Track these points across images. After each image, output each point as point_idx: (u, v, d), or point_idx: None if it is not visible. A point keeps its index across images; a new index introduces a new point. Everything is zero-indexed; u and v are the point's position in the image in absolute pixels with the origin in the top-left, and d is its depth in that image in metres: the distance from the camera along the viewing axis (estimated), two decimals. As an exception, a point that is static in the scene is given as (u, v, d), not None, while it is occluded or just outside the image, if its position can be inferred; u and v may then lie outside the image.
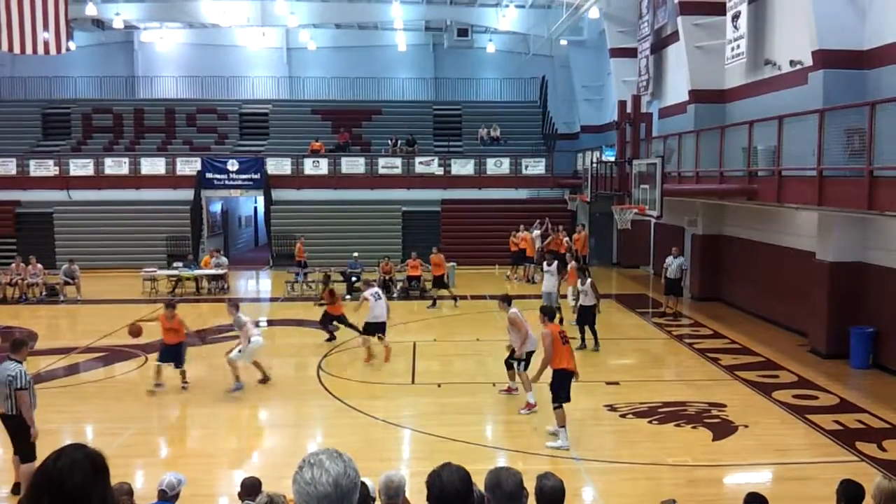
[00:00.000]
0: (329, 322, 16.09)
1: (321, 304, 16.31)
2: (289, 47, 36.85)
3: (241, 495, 6.28)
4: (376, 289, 15.08)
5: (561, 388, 9.93)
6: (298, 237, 25.32)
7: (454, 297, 20.86)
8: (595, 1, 25.07)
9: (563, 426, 9.84)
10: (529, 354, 11.48)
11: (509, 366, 12.00)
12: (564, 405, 9.89)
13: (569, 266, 18.15)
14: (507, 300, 12.10)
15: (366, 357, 14.38)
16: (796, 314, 16.33)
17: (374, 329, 14.38)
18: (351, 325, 15.46)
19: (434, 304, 20.66)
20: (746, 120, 15.87)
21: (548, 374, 10.16)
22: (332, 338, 16.16)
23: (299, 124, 33.11)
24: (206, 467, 9.15)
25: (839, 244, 14.39)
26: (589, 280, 15.49)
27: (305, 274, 23.41)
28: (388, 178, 29.64)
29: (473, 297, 21.75)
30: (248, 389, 13.00)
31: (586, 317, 15.32)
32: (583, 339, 15.27)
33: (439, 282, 21.12)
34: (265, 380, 12.84)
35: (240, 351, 12.43)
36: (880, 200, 10.85)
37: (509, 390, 12.13)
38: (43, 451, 2.46)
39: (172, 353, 12.69)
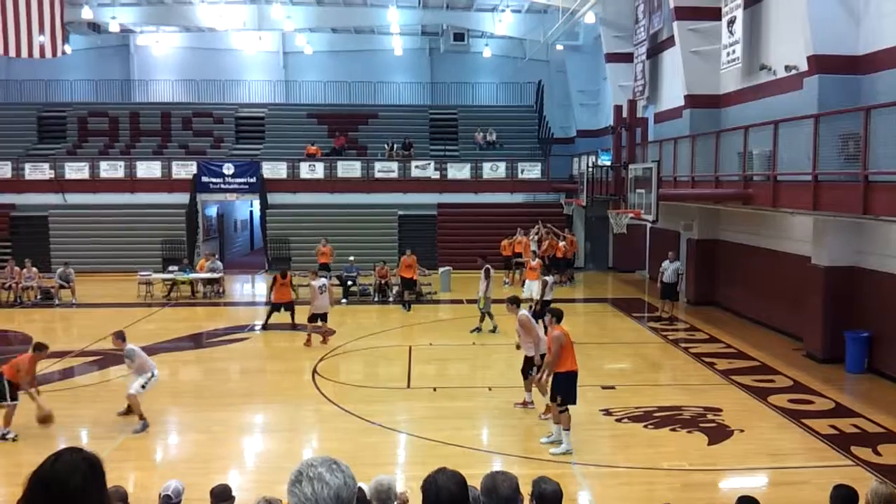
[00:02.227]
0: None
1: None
2: (285, 51, 36.88)
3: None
4: (323, 281, 16.83)
5: (570, 391, 9.89)
6: (320, 240, 24.23)
7: (407, 303, 20.88)
8: (591, 6, 25.14)
9: (568, 429, 9.81)
10: (541, 357, 11.27)
11: (526, 375, 11.59)
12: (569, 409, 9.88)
13: (533, 263, 19.19)
14: (515, 303, 12.00)
15: (307, 341, 16.24)
16: (792, 318, 16.36)
17: (318, 318, 16.29)
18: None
19: (408, 308, 20.62)
20: (742, 125, 15.90)
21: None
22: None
23: (295, 128, 33.11)
24: (201, 472, 9.11)
25: (834, 248, 14.43)
26: (545, 278, 16.45)
27: (330, 278, 23.21)
28: (384, 182, 29.66)
29: (469, 302, 21.74)
30: (245, 393, 12.98)
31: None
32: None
33: (410, 284, 21.17)
34: (127, 413, 11.18)
35: (143, 386, 10.88)
36: (875, 205, 10.88)
37: (525, 404, 11.71)
38: (38, 454, 2.44)
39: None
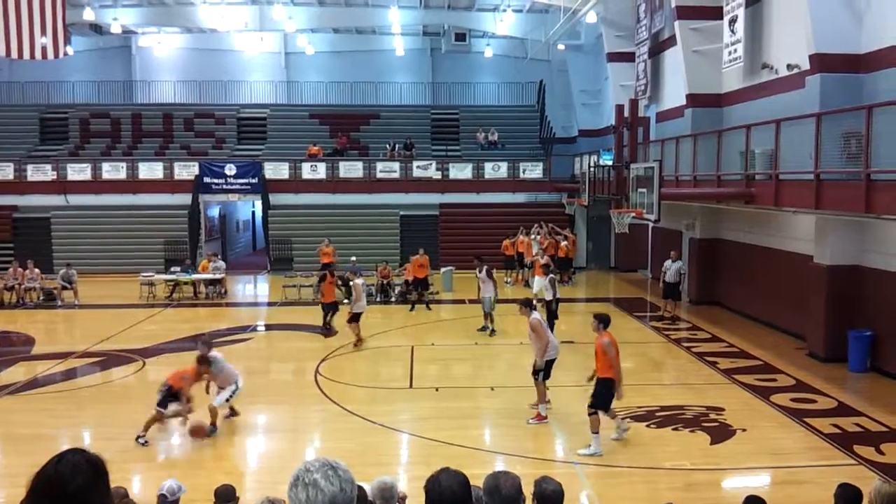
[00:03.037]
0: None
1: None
2: (287, 52, 36.87)
3: None
4: (363, 280, 16.82)
5: (606, 397, 9.89)
6: (322, 241, 24.42)
7: (427, 303, 21.11)
8: (592, 5, 25.13)
9: (598, 432, 9.80)
10: (550, 363, 11.17)
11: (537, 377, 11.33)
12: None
13: (542, 260, 19.60)
14: (528, 305, 11.63)
15: (357, 341, 16.02)
16: (794, 318, 16.34)
17: (358, 318, 16.08)
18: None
19: (413, 308, 20.72)
20: (744, 124, 15.89)
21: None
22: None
23: (297, 129, 33.13)
24: (204, 472, 9.13)
25: (836, 247, 14.41)
26: (549, 277, 16.46)
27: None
28: (385, 183, 29.66)
29: (471, 302, 21.73)
30: (248, 393, 12.94)
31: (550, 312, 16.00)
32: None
33: (422, 283, 21.27)
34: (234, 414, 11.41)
35: (227, 399, 10.89)
36: (877, 203, 10.87)
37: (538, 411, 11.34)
38: (41, 456, 2.44)
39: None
